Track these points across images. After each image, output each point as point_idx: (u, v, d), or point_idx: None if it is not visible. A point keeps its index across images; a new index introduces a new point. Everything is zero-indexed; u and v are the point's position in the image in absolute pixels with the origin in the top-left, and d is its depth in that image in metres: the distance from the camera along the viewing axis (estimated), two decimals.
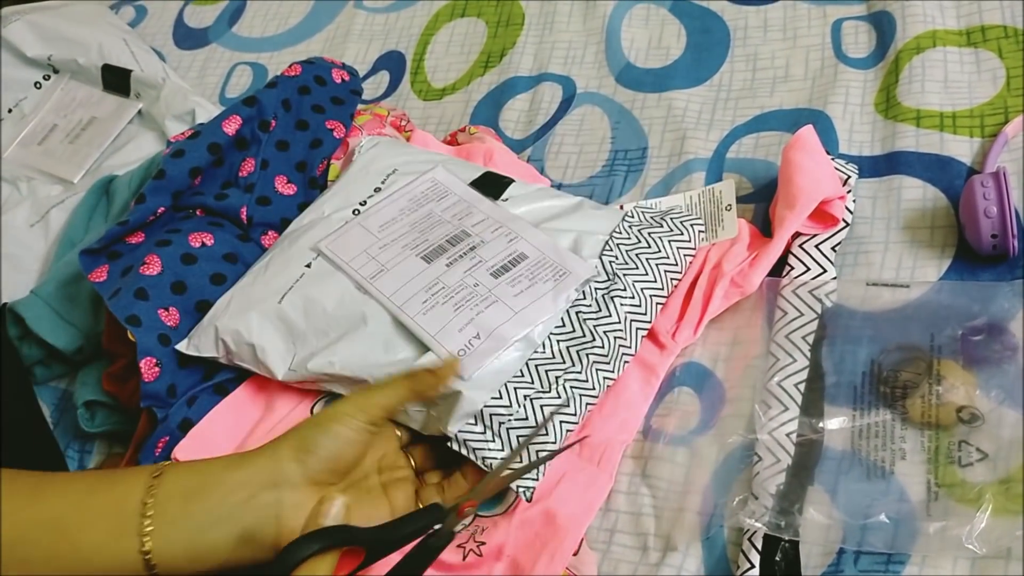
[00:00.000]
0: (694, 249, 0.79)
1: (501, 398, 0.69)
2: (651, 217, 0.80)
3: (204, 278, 0.80)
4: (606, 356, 0.72)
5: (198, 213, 0.86)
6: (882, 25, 0.93)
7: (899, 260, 0.77)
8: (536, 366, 0.71)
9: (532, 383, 0.70)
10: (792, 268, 0.78)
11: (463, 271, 0.75)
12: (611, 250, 0.76)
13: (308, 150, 0.89)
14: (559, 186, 0.93)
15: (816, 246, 0.78)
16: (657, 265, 0.76)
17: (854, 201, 0.81)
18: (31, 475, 0.63)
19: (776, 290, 0.77)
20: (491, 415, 0.68)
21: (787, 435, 0.68)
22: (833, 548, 0.64)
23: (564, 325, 0.73)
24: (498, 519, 0.70)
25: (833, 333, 0.73)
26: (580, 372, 0.71)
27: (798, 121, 0.88)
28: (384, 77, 1.12)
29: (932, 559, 0.62)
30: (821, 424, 0.69)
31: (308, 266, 0.78)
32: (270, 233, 0.86)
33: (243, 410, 0.77)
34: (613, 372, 0.73)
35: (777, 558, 0.64)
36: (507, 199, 0.81)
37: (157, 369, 0.75)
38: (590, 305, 0.73)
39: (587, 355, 0.71)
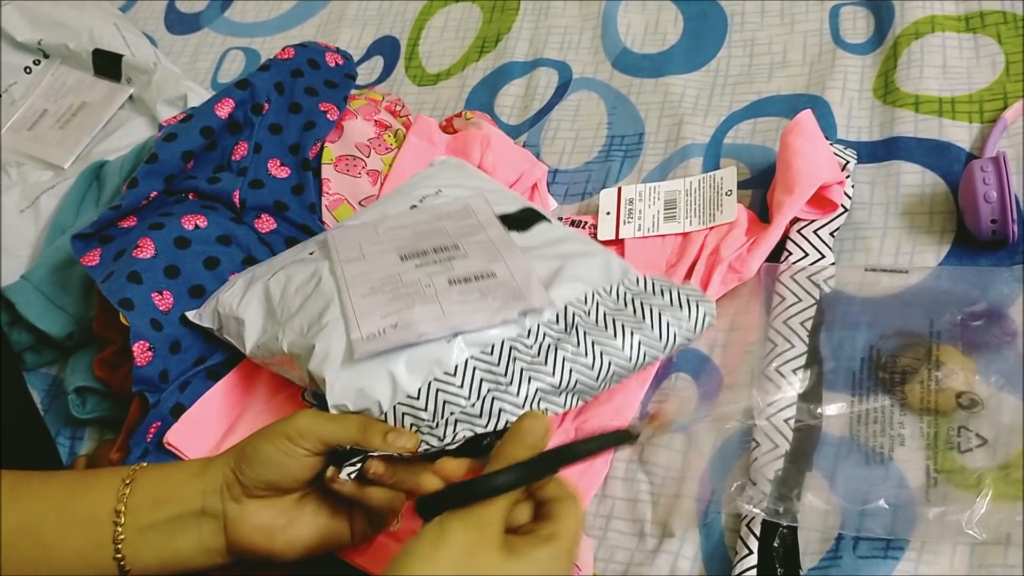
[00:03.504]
0: (693, 332, 0.69)
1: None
2: (656, 285, 0.71)
3: (198, 262, 0.79)
4: (519, 404, 0.64)
5: (191, 197, 0.85)
6: (880, 10, 0.92)
7: (898, 246, 0.77)
8: (437, 390, 0.64)
9: (416, 400, 0.64)
10: (790, 254, 0.77)
11: (426, 273, 0.70)
12: (585, 303, 0.69)
13: (301, 132, 0.88)
14: (555, 172, 0.93)
15: (814, 231, 0.78)
16: (632, 332, 0.67)
17: (852, 186, 0.80)
18: (7, 476, 0.63)
19: (774, 276, 0.76)
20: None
21: (785, 421, 0.68)
22: (832, 534, 0.63)
23: (490, 353, 0.66)
24: None
25: (831, 319, 0.72)
26: (475, 407, 0.64)
27: (796, 107, 0.87)
28: (378, 62, 1.11)
29: (931, 545, 0.61)
30: (819, 410, 0.68)
31: (311, 253, 0.77)
32: (263, 216, 0.85)
33: (235, 394, 0.76)
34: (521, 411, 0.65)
35: (775, 544, 0.63)
36: (529, 231, 0.76)
37: (150, 354, 0.74)
38: (530, 347, 0.66)
39: (492, 396, 0.64)
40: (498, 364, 0.65)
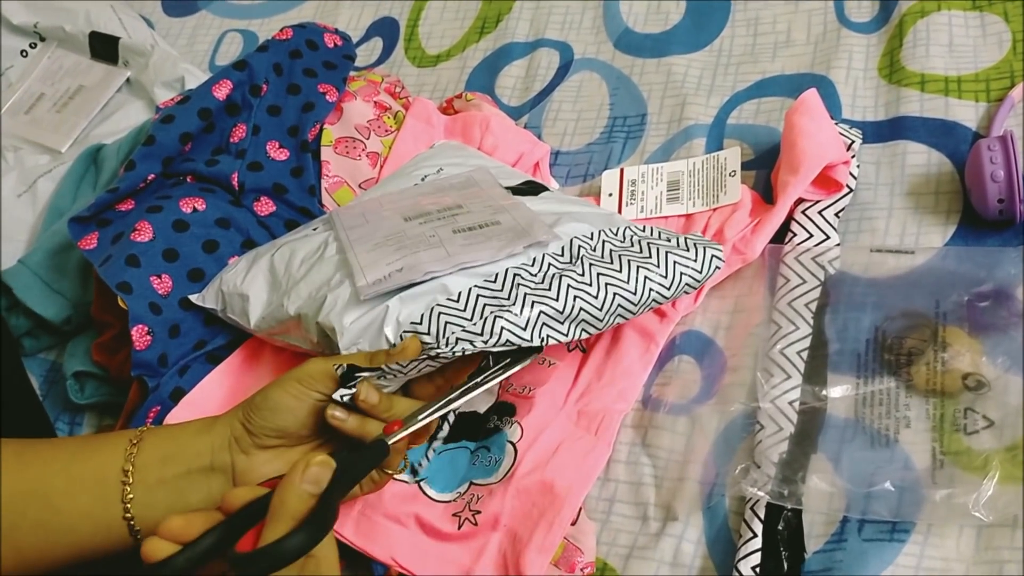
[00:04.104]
0: (700, 273, 0.70)
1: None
2: (663, 233, 0.72)
3: (196, 245, 0.78)
4: (521, 324, 0.65)
5: (189, 180, 0.84)
6: None
7: (903, 226, 0.76)
8: (439, 313, 0.64)
9: (420, 325, 0.65)
10: (795, 235, 0.76)
11: (430, 228, 0.71)
12: (591, 239, 0.70)
13: (300, 114, 0.88)
14: (557, 154, 0.92)
15: (819, 212, 0.77)
16: (638, 268, 0.68)
17: (858, 167, 0.79)
18: (13, 443, 0.63)
19: (778, 257, 0.75)
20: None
21: (790, 403, 0.67)
22: (837, 516, 0.63)
23: (494, 281, 0.67)
24: (494, 488, 0.69)
25: (836, 300, 0.72)
26: (476, 326, 0.64)
27: (800, 86, 0.86)
28: (377, 44, 1.10)
29: (937, 527, 0.61)
30: (824, 392, 0.67)
31: (315, 229, 0.76)
32: (262, 199, 0.84)
33: (235, 378, 0.76)
34: (530, 341, 0.65)
35: (780, 527, 0.63)
36: (535, 198, 0.77)
37: (149, 337, 0.74)
38: (535, 275, 0.67)
39: (495, 316, 0.64)
40: (501, 290, 0.66)
